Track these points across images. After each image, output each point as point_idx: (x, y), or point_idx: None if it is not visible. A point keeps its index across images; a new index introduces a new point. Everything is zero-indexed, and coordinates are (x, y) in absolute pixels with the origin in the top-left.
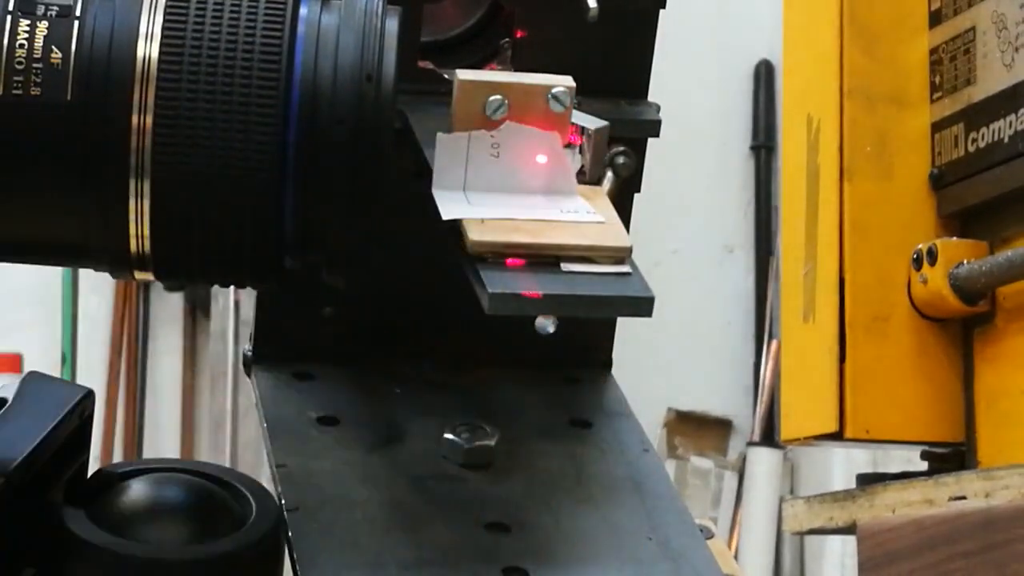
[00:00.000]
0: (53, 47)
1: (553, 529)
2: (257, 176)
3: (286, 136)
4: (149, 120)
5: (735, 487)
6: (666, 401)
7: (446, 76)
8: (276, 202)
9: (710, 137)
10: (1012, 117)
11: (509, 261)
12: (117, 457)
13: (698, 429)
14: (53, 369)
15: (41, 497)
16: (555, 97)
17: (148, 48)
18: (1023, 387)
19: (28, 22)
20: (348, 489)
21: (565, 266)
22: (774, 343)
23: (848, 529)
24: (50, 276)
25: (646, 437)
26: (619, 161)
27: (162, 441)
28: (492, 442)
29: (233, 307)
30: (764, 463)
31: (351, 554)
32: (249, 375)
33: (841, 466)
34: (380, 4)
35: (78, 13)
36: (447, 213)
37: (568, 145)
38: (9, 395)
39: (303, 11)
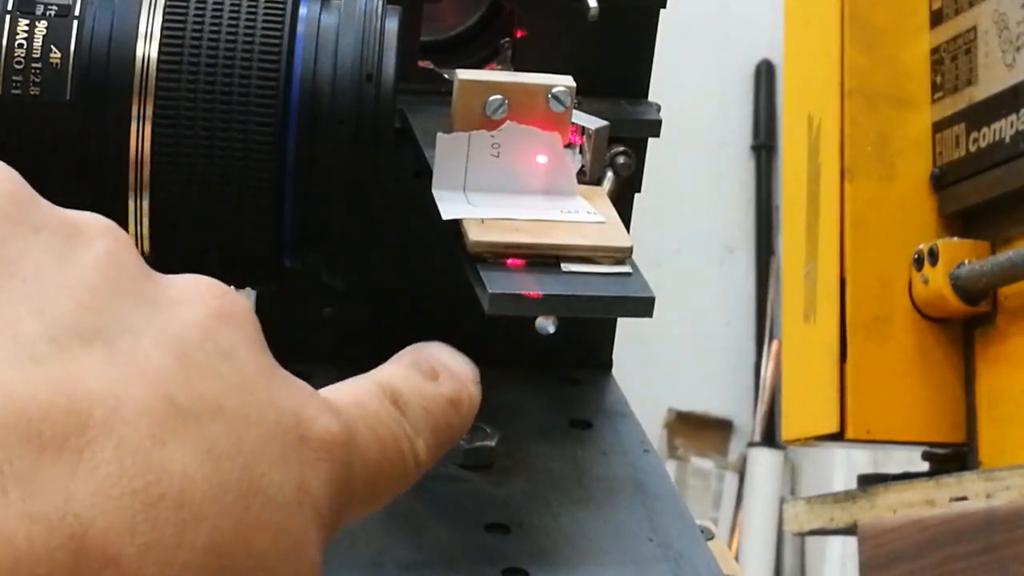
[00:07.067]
0: (52, 47)
1: (553, 530)
2: (257, 176)
3: (286, 136)
4: (148, 120)
5: (736, 488)
6: (666, 401)
7: (446, 76)
8: (276, 202)
9: (710, 137)
10: (1013, 117)
11: (509, 261)
12: None
13: (698, 430)
14: None
15: None
16: (555, 97)
17: (147, 48)
18: None
19: (27, 21)
20: None
21: (565, 266)
22: (775, 343)
23: (849, 530)
24: None
25: (647, 438)
26: (619, 161)
27: None
28: (492, 443)
29: None
30: (765, 464)
31: (350, 554)
32: None
33: (842, 467)
34: (380, 4)
35: (77, 13)
36: (447, 213)
37: (568, 145)
38: None
39: (303, 11)
